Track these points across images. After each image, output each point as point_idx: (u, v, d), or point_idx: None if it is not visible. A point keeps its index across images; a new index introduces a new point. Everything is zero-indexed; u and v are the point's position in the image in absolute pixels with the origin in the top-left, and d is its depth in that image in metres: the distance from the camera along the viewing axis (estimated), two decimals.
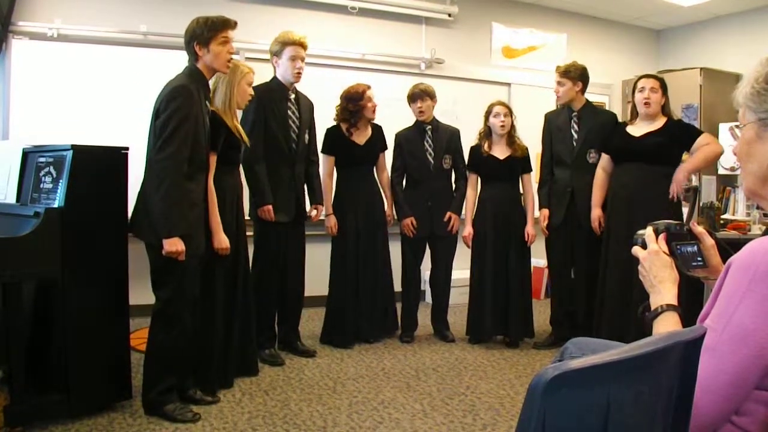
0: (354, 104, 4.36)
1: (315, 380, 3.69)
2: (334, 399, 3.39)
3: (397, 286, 4.72)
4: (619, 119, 4.55)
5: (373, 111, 4.42)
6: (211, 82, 3.25)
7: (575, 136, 4.43)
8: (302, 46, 4.03)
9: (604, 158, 4.24)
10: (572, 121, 4.45)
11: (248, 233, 3.73)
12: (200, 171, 3.07)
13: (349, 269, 4.40)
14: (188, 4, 4.90)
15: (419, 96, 4.58)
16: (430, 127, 4.63)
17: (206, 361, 3.33)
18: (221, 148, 3.30)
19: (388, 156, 4.68)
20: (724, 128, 6.05)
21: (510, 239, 4.47)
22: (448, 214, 4.61)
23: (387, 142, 4.63)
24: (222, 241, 3.25)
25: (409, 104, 4.65)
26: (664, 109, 4.02)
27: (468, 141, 4.74)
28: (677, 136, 3.96)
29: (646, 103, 3.98)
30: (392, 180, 4.63)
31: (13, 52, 4.67)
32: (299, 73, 4.03)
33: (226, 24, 3.09)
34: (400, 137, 4.68)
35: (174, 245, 2.88)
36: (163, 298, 3.01)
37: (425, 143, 4.61)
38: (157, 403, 3.00)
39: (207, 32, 3.03)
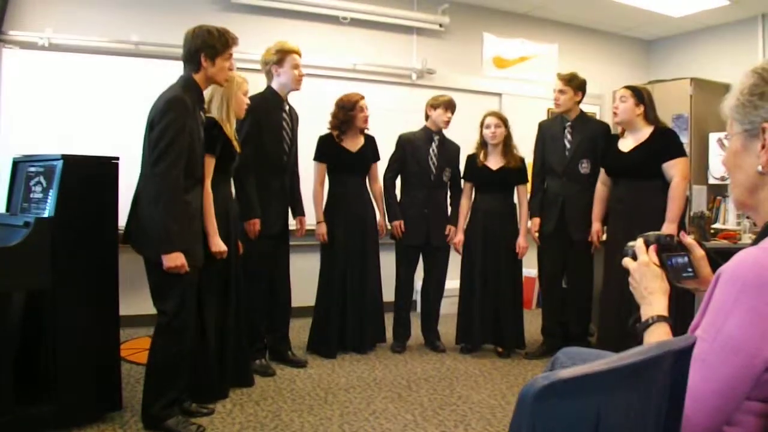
0: (345, 113, 4.35)
1: (306, 390, 3.67)
2: (326, 409, 3.38)
3: (389, 296, 4.70)
4: (611, 130, 4.56)
5: (365, 121, 4.41)
6: (206, 93, 3.24)
7: (568, 146, 4.43)
8: (299, 54, 4.07)
9: (603, 172, 4.25)
10: (566, 131, 4.46)
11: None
12: (197, 183, 3.05)
13: (337, 278, 4.38)
14: (180, 13, 4.91)
15: (452, 107, 4.57)
16: (438, 137, 4.63)
17: (202, 373, 3.31)
18: (217, 156, 3.28)
19: (383, 165, 4.66)
20: (713, 138, 6.10)
21: (500, 250, 4.47)
22: (449, 227, 4.62)
23: (380, 154, 4.60)
24: (218, 244, 3.21)
25: (434, 110, 4.56)
26: (648, 118, 4.00)
27: (460, 152, 4.75)
28: (662, 148, 3.93)
29: (615, 114, 4.09)
30: (385, 180, 4.62)
31: (4, 62, 4.66)
32: (301, 80, 4.05)
33: (235, 41, 3.13)
34: (403, 139, 4.65)
35: (174, 260, 2.85)
36: (168, 311, 2.96)
37: (431, 152, 4.58)
38: (161, 417, 2.95)
39: (220, 46, 3.04)
